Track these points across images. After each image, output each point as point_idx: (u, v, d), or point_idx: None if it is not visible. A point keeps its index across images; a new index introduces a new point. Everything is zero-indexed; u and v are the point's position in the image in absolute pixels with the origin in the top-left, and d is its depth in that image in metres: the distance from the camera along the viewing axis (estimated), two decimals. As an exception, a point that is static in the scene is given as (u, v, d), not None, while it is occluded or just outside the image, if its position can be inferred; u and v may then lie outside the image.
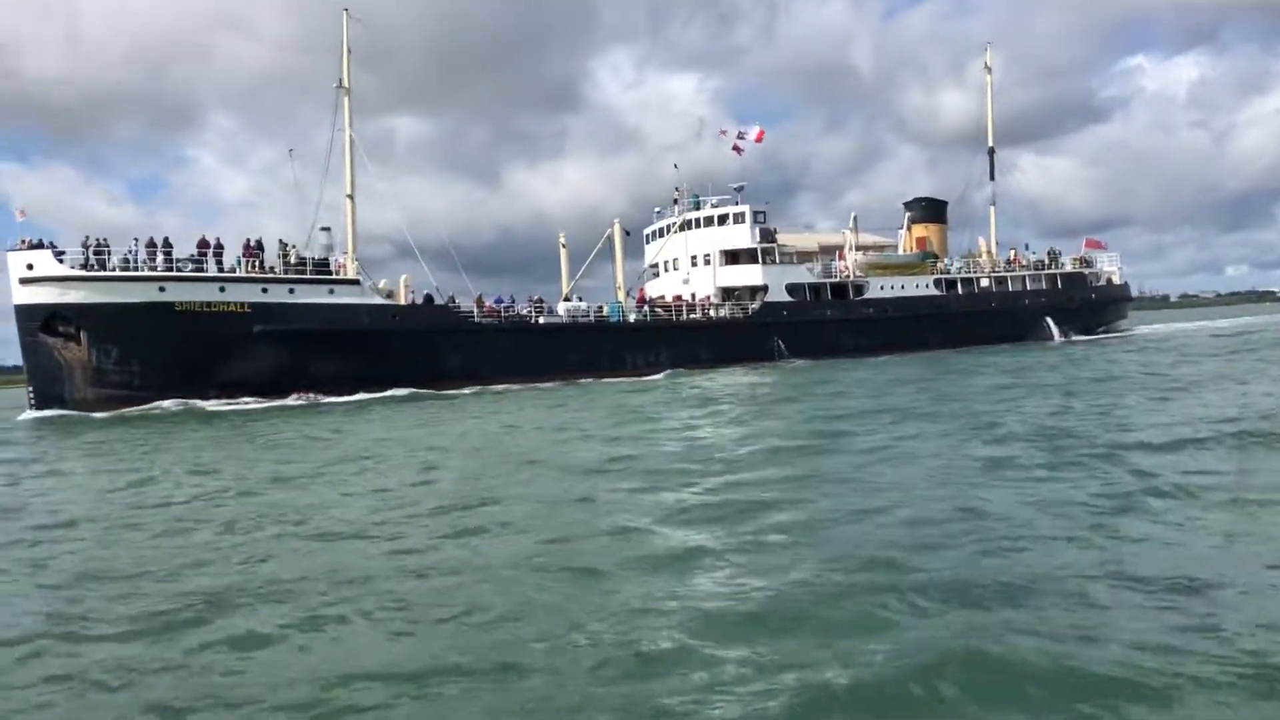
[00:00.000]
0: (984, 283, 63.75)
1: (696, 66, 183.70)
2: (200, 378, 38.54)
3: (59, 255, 37.93)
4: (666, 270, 57.60)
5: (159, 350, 38.18)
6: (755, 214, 54.02)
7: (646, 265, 59.85)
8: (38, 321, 37.76)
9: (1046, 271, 66.07)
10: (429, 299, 43.60)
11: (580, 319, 47.80)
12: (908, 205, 67.05)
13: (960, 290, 61.27)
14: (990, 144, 70.60)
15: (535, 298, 47.30)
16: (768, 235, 54.07)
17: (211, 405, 37.21)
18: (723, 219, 54.38)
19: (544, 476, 13.77)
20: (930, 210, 66.21)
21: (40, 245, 37.90)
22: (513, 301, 46.93)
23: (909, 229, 65.58)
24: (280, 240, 41.16)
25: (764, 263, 53.53)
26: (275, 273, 40.12)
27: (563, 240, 54.69)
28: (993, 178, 70.17)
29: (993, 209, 70.20)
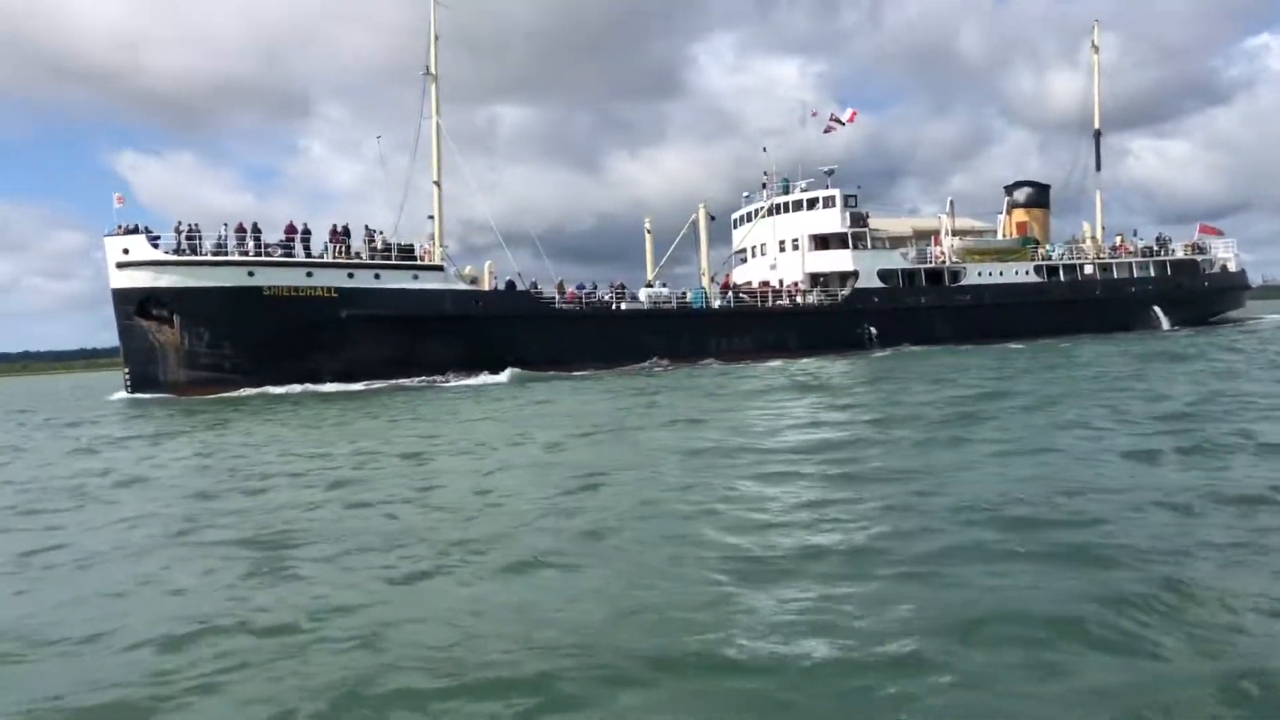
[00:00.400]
0: (1088, 269, 61.00)
1: (800, 51, 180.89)
2: (289, 361, 38.96)
3: (154, 240, 38.70)
4: (754, 256, 56.45)
5: (249, 333, 38.73)
6: (846, 198, 52.42)
7: (734, 250, 58.78)
8: (133, 305, 38.63)
9: (1155, 258, 62.86)
10: (510, 285, 43.37)
11: (662, 305, 47.08)
12: (1008, 189, 64.50)
13: (1062, 277, 58.67)
14: (1097, 126, 67.60)
15: (616, 283, 46.75)
16: (859, 219, 52.44)
17: (310, 389, 37.73)
18: (812, 203, 52.95)
19: (677, 460, 13.08)
20: (1032, 194, 63.50)
21: (136, 230, 38.71)
22: (594, 287, 46.47)
23: (1009, 214, 63.08)
24: (366, 226, 41.36)
25: (854, 248, 51.94)
26: (361, 258, 40.32)
27: (648, 225, 54.06)
28: (1099, 161, 67.33)
29: (1099, 193, 67.27)
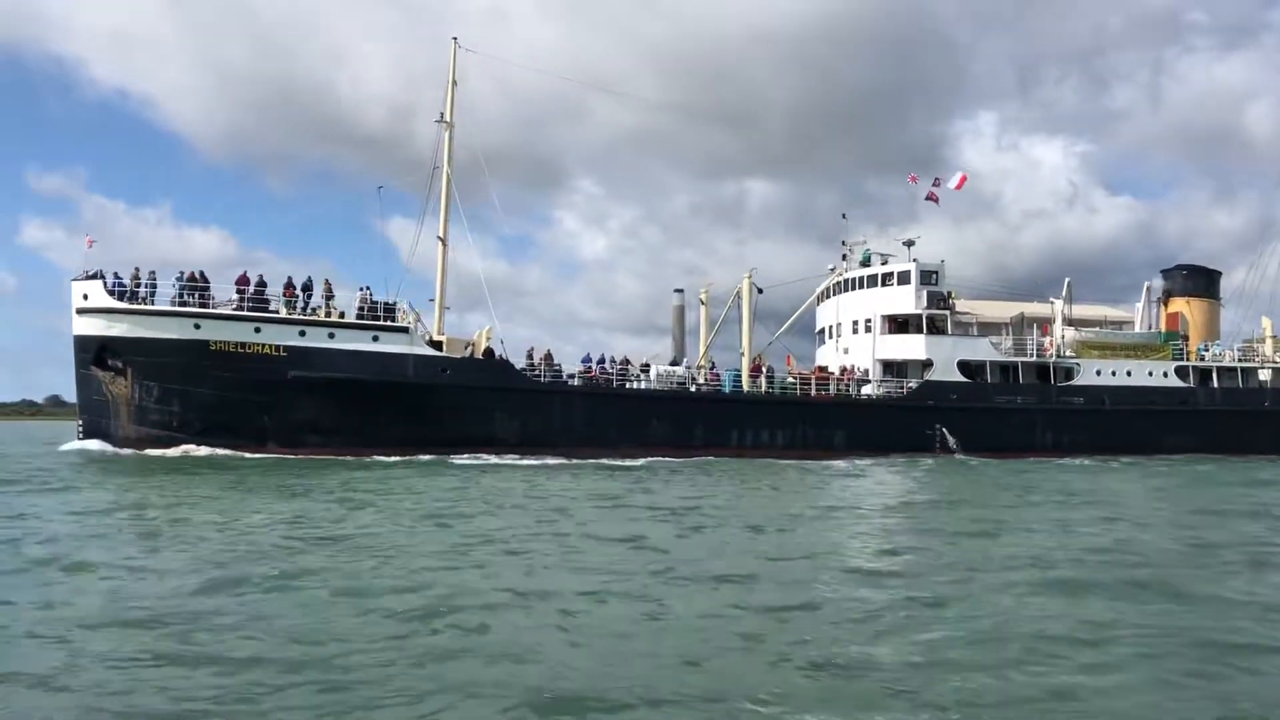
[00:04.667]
0: (1263, 375, 49.51)
1: (1064, 130, 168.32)
2: (234, 422, 35.87)
3: (118, 288, 36.76)
4: (830, 337, 49.22)
5: (195, 390, 36.00)
6: (924, 274, 44.48)
7: (816, 330, 51.71)
8: (90, 353, 36.75)
9: (1356, 366, 50.35)
10: (489, 353, 38.57)
11: (676, 385, 40.83)
12: (1165, 274, 54.06)
13: (1217, 383, 47.61)
14: (1293, 202, 55.97)
15: (622, 359, 40.98)
16: (938, 300, 44.28)
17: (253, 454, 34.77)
18: (886, 279, 45.34)
19: None
20: (1194, 281, 52.76)
21: (98, 276, 36.98)
22: (605, 362, 40.94)
23: (1163, 303, 52.59)
24: (326, 280, 37.99)
25: (929, 332, 43.80)
26: (318, 315, 36.91)
27: (703, 297, 47.91)
28: (1293, 245, 55.34)
29: (1290, 283, 55.23)
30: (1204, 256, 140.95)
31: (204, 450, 35.04)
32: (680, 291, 49.33)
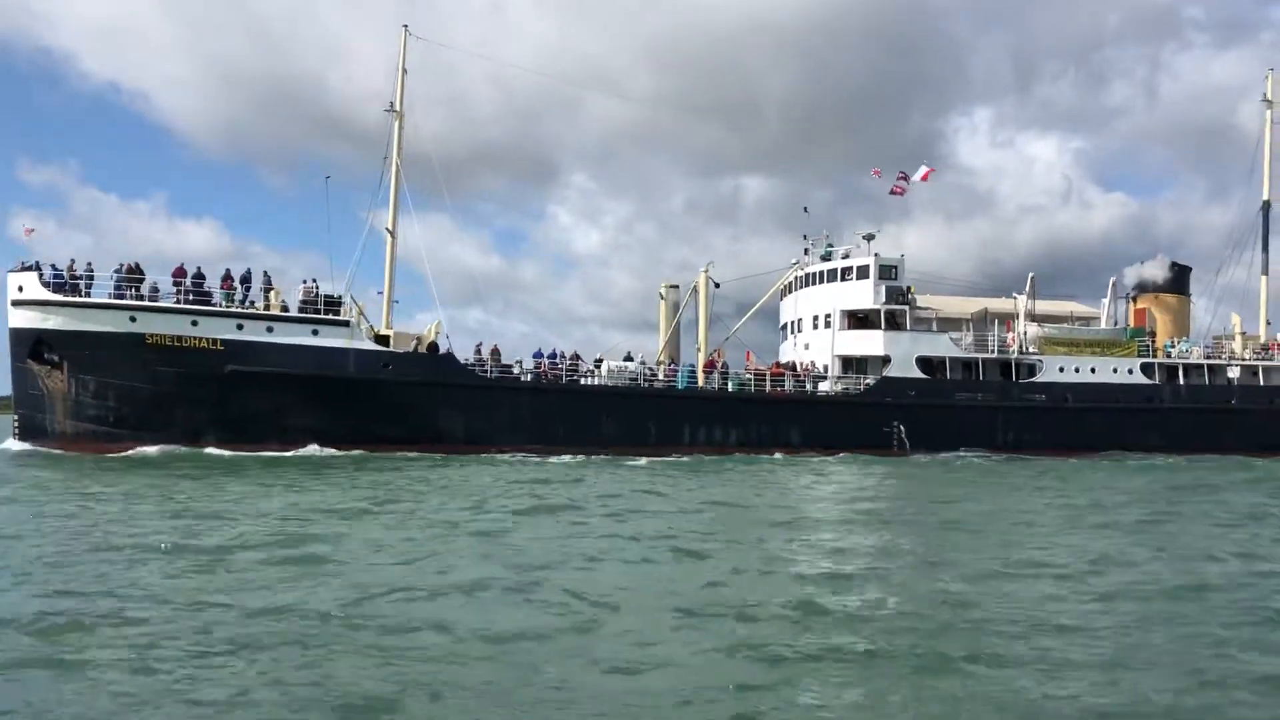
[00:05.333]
0: (1232, 372, 48.86)
1: (1059, 126, 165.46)
2: (172, 418, 35.13)
3: (55, 279, 35.95)
4: (792, 333, 48.51)
5: (131, 385, 35.23)
6: (883, 268, 43.80)
7: (779, 325, 51.01)
8: (25, 347, 35.97)
9: (1326, 362, 49.72)
10: (433, 348, 37.83)
11: (629, 381, 40.11)
12: (1131, 269, 53.39)
13: (1183, 380, 46.95)
14: (1265, 197, 55.21)
15: (573, 354, 40.25)
16: (897, 294, 43.59)
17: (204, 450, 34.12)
18: (845, 273, 44.64)
19: None
20: (1161, 277, 52.02)
21: (34, 267, 36.19)
22: (559, 358, 40.23)
23: (1131, 300, 51.96)
24: (265, 272, 37.23)
25: (887, 328, 43.13)
26: (256, 308, 36.18)
27: (662, 292, 47.14)
28: (1266, 239, 54.74)
29: (1264, 279, 54.61)
30: (1196, 254, 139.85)
31: (154, 449, 34.17)
32: (675, 287, 48.39)
